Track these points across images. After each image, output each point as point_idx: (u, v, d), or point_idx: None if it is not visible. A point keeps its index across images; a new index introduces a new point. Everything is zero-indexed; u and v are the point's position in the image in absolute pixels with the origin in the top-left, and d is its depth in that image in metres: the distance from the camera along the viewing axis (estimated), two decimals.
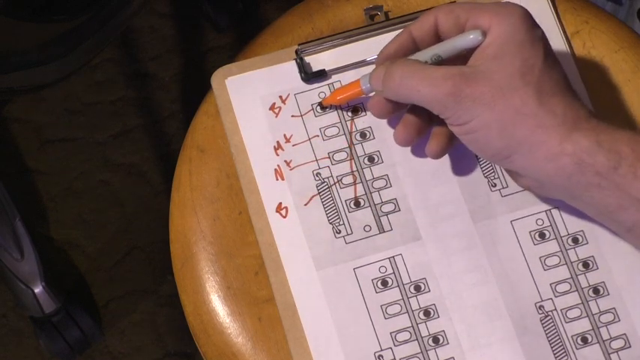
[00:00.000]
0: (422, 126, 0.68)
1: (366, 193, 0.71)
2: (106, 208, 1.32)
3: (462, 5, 0.66)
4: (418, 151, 0.71)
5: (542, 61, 0.63)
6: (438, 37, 0.67)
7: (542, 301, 0.68)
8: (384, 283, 0.69)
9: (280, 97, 0.73)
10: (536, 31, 0.64)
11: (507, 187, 0.70)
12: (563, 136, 0.61)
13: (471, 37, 0.64)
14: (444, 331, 0.68)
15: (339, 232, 0.70)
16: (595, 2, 0.99)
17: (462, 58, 0.65)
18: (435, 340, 0.68)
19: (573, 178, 0.62)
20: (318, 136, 0.72)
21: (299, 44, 0.74)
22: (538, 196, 0.70)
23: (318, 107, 0.72)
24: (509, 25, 0.63)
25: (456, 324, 0.68)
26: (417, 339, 0.68)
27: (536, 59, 0.63)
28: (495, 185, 0.71)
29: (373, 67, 0.70)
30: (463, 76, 0.62)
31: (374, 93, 0.69)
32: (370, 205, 0.70)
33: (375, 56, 0.71)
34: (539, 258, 0.69)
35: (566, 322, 0.68)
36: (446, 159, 0.71)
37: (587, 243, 0.69)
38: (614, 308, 0.68)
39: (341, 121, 0.72)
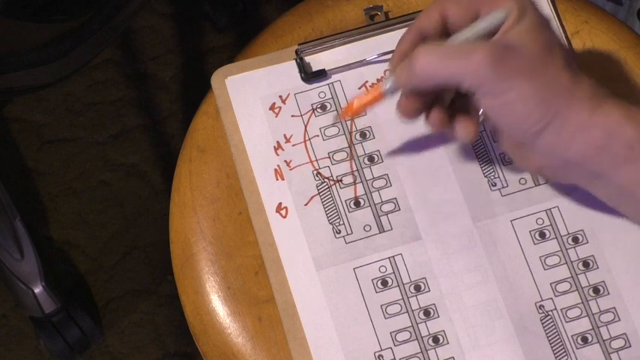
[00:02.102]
0: (427, 99, 0.66)
1: (366, 193, 0.71)
2: (106, 208, 1.32)
3: None
4: (418, 150, 0.71)
5: (558, 42, 0.63)
6: (446, 30, 0.65)
7: (542, 300, 0.68)
8: (384, 282, 0.69)
9: (280, 97, 0.73)
10: (543, 15, 0.63)
11: (507, 186, 0.70)
12: (594, 107, 0.61)
13: (502, 15, 0.62)
14: (444, 330, 0.68)
15: (339, 232, 0.70)
16: (595, 2, 0.99)
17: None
18: (435, 339, 0.68)
19: (602, 151, 0.61)
20: (318, 136, 0.72)
21: (299, 44, 0.73)
22: (538, 195, 0.70)
23: (319, 108, 0.72)
24: (525, 9, 0.62)
25: (456, 324, 0.68)
26: (417, 339, 0.68)
27: (554, 39, 0.63)
28: (495, 185, 0.71)
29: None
30: (500, 45, 0.61)
31: (392, 97, 0.67)
32: (370, 205, 0.70)
33: (375, 56, 0.71)
34: (540, 257, 0.69)
35: (567, 322, 0.68)
36: (446, 159, 0.71)
37: (588, 242, 0.69)
38: (614, 308, 0.68)
39: (341, 121, 0.72)
